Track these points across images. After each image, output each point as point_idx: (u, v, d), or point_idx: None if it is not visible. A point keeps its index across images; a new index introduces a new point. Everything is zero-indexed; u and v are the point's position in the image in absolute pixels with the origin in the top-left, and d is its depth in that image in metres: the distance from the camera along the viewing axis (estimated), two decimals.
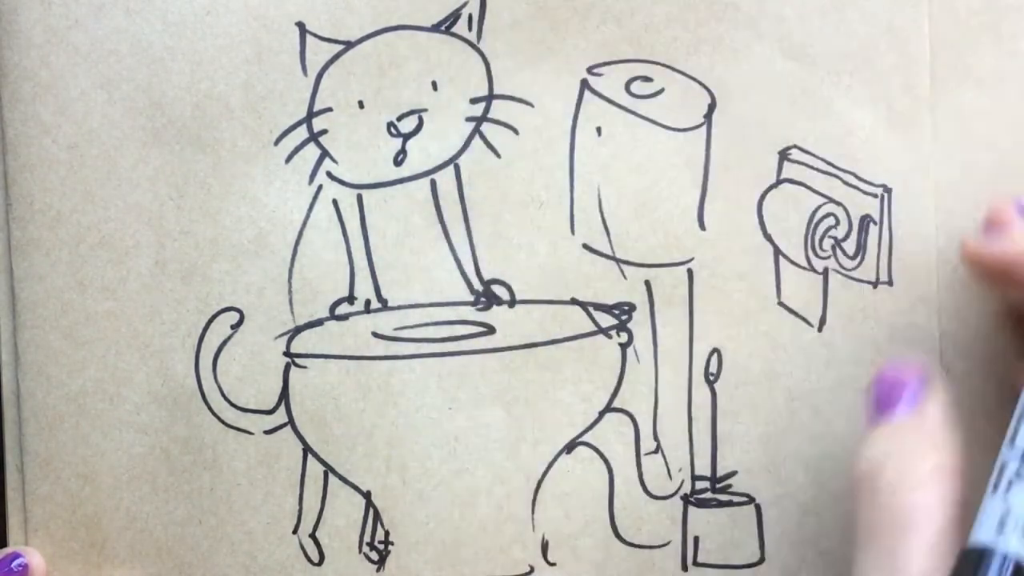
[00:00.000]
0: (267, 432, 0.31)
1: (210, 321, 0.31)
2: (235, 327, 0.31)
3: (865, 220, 0.32)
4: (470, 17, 0.31)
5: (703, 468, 0.32)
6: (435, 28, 0.31)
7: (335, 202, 0.31)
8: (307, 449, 0.31)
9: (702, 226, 0.31)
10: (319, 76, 0.31)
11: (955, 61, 0.31)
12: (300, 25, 0.31)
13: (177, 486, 0.31)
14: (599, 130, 0.31)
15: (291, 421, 0.32)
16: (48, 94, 0.31)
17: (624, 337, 0.32)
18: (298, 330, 0.31)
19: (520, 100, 0.31)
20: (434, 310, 0.32)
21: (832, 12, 0.31)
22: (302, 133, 0.31)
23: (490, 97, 0.31)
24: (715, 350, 0.32)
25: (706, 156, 0.31)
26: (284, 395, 0.31)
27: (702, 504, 0.32)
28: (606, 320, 0.32)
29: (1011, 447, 0.25)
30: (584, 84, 0.31)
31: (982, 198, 0.31)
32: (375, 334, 0.32)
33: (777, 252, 0.32)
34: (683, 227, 0.31)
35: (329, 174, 0.31)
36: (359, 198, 0.31)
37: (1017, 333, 0.30)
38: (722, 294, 0.32)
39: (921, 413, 0.26)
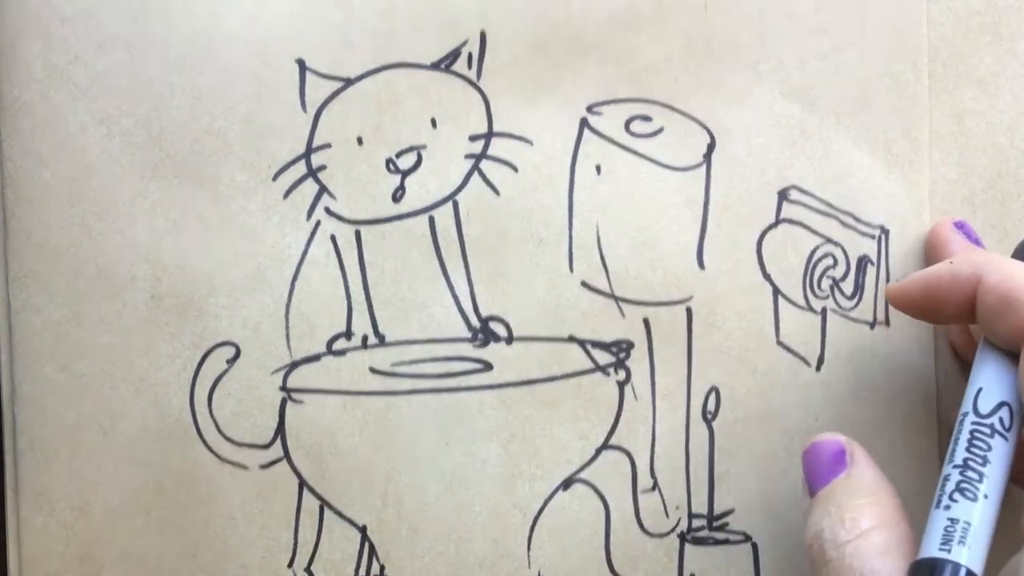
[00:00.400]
0: (263, 467, 0.31)
1: (206, 355, 0.31)
2: (231, 361, 0.31)
3: (863, 261, 0.32)
4: (470, 55, 0.31)
5: (700, 506, 0.32)
6: (435, 66, 0.31)
7: (333, 238, 0.31)
8: (303, 483, 0.31)
9: (701, 265, 0.31)
10: (318, 112, 0.31)
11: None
12: (300, 62, 0.31)
13: (172, 520, 0.31)
14: (598, 168, 0.31)
15: (287, 455, 0.31)
16: (47, 128, 0.31)
17: (622, 375, 0.32)
18: (294, 365, 0.31)
19: (519, 138, 0.31)
20: (431, 346, 0.31)
21: (831, 55, 0.31)
22: (301, 169, 0.31)
23: (489, 134, 0.31)
24: (713, 388, 0.32)
25: (705, 195, 0.31)
26: (280, 430, 0.31)
27: (699, 542, 0.32)
28: (604, 357, 0.32)
29: (950, 462, 0.26)
30: (584, 123, 0.31)
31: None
32: (372, 369, 0.31)
33: (776, 291, 0.32)
34: (682, 266, 0.31)
35: (327, 210, 0.31)
36: (357, 234, 0.31)
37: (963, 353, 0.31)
38: (721, 333, 0.32)
39: (850, 474, 0.28)
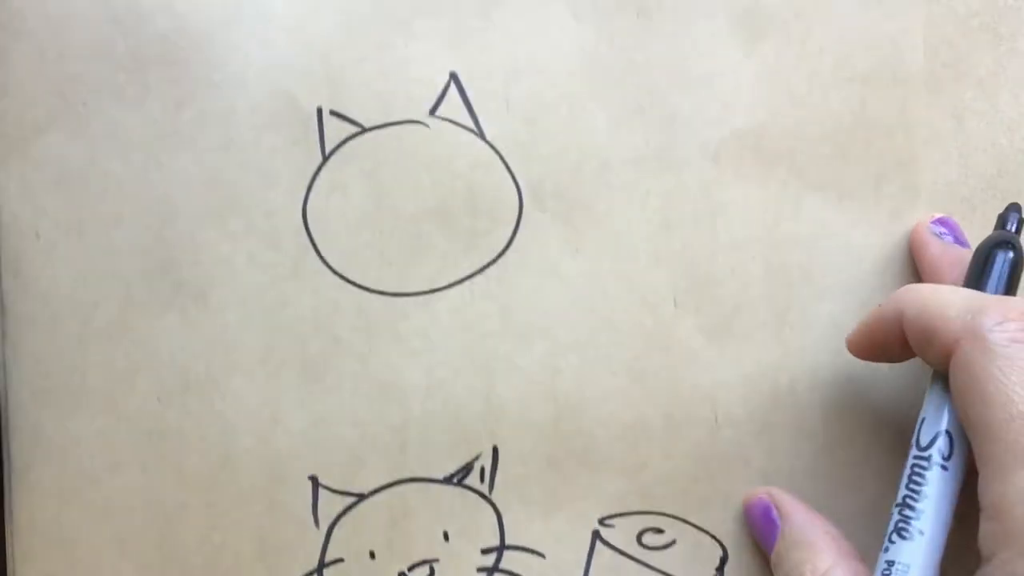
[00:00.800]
0: None
1: None
2: None
3: None
4: (482, 469, 0.31)
5: None
6: (447, 480, 0.31)
7: None
8: None
9: None
10: (331, 528, 0.31)
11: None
12: (313, 479, 0.31)
13: None
14: None
15: None
16: (59, 549, 0.31)
17: None
18: None
19: (532, 551, 0.31)
20: None
21: (835, 470, 0.31)
22: None
23: (501, 547, 0.31)
24: None
25: None
26: None
27: None
28: None
29: (894, 501, 0.26)
30: (596, 535, 0.31)
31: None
32: None
33: None
34: None
35: None
36: None
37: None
38: None
39: (783, 532, 0.29)
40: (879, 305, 0.28)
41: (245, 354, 0.31)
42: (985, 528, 0.24)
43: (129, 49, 0.31)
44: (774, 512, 0.29)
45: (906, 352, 0.28)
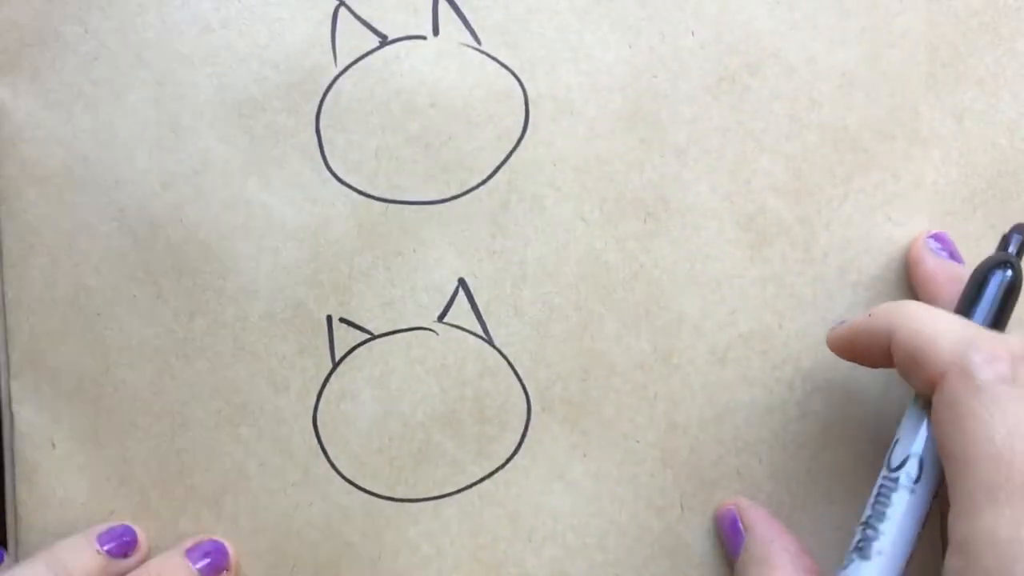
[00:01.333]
0: None
1: None
2: None
3: None
4: None
5: None
6: None
7: None
8: None
9: None
10: None
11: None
12: None
13: None
14: None
15: None
16: None
17: None
18: None
19: None
20: None
21: None
22: None
23: None
24: None
25: None
26: None
27: None
28: None
29: (858, 520, 0.26)
30: None
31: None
32: None
33: None
34: None
35: None
36: None
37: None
38: None
39: (745, 546, 0.30)
40: (869, 313, 0.28)
41: (256, 560, 0.32)
42: (950, 563, 0.24)
43: (142, 260, 0.31)
44: (739, 522, 0.30)
45: (884, 362, 0.28)
